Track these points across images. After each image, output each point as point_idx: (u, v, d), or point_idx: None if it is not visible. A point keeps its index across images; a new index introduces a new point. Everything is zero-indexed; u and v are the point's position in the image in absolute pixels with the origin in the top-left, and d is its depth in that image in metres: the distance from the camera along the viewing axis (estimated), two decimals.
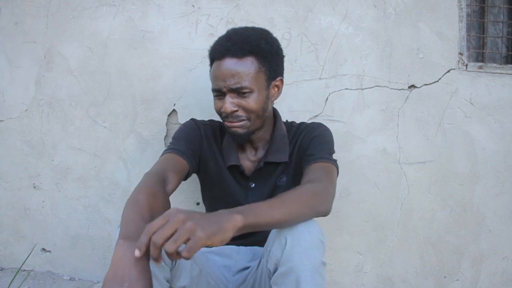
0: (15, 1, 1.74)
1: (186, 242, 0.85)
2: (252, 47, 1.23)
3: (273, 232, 1.10)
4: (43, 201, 1.80)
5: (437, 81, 1.68)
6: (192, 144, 1.35)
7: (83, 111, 1.75)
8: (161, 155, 1.31)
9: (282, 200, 1.03)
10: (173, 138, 1.37)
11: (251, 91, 1.24)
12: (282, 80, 1.33)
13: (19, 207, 1.81)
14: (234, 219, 0.91)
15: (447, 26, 1.67)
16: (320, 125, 1.38)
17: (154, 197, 1.08)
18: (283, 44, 1.66)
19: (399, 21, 1.67)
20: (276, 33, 1.67)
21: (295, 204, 1.03)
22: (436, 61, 1.67)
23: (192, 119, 1.43)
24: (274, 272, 1.07)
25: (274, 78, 1.30)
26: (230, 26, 1.67)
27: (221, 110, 1.27)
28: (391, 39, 1.68)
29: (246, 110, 1.26)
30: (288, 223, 1.03)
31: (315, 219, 1.08)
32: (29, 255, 1.63)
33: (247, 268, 1.34)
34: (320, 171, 1.22)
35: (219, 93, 1.27)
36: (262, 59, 1.25)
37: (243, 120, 1.27)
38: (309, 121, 1.67)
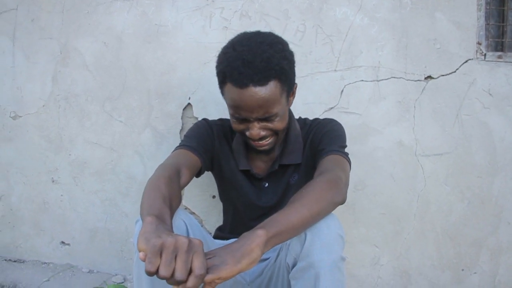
0: None
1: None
2: (276, 72, 1.14)
3: None
4: (61, 195, 1.83)
5: (455, 71, 1.65)
6: (204, 143, 1.34)
7: (99, 106, 1.77)
8: (173, 151, 1.31)
9: (300, 202, 1.01)
10: (186, 136, 1.36)
11: (278, 115, 1.20)
12: (296, 85, 1.29)
13: (38, 201, 1.84)
14: (257, 236, 0.90)
15: (465, 15, 1.63)
16: (331, 120, 1.36)
17: (171, 186, 1.09)
18: (297, 36, 1.68)
19: (415, 11, 1.64)
20: (291, 25, 1.67)
21: (313, 203, 1.02)
22: (453, 51, 1.64)
23: (204, 119, 1.42)
24: (293, 266, 1.07)
25: (291, 89, 1.25)
26: (244, 19, 1.67)
27: (247, 134, 1.23)
28: (407, 30, 1.65)
29: (274, 131, 1.23)
30: (310, 223, 1.02)
31: (334, 213, 1.08)
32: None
33: (264, 260, 1.35)
34: (330, 162, 1.21)
35: (242, 120, 1.21)
36: (284, 79, 1.18)
37: (270, 139, 1.25)
38: (324, 114, 1.67)
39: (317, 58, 1.67)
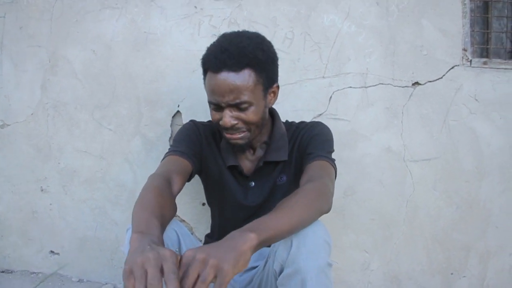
0: (19, 6, 1.75)
1: (213, 279, 0.84)
2: (250, 60, 1.19)
3: None
4: (50, 204, 1.82)
5: (441, 77, 1.67)
6: (193, 145, 1.35)
7: (88, 114, 1.76)
8: (164, 158, 1.31)
9: (289, 208, 1.02)
10: (174, 140, 1.37)
11: (250, 104, 1.22)
12: (278, 86, 1.31)
13: (27, 210, 1.83)
14: (250, 239, 0.90)
15: (451, 22, 1.66)
16: (319, 123, 1.38)
17: (162, 196, 1.10)
18: (286, 44, 1.69)
19: (402, 18, 1.67)
20: (279, 32, 1.68)
21: (301, 210, 1.03)
22: (440, 57, 1.66)
23: (192, 121, 1.43)
24: (280, 273, 1.07)
25: (270, 86, 1.28)
26: (233, 27, 1.68)
27: (220, 123, 1.25)
28: (395, 37, 1.67)
29: (246, 122, 1.24)
30: (298, 229, 1.03)
31: (320, 219, 1.09)
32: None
33: (254, 268, 1.35)
34: (318, 169, 1.22)
35: (216, 106, 1.25)
36: (260, 70, 1.21)
37: (243, 131, 1.26)
38: (313, 120, 1.68)
39: (306, 65, 1.68)
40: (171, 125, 1.72)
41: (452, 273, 1.72)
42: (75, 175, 1.80)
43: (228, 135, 1.27)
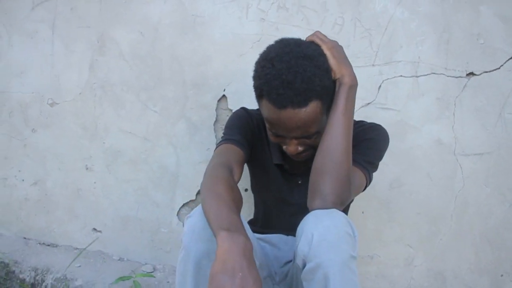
0: None
1: None
2: (317, 92, 1.08)
3: (299, 228, 1.08)
4: (94, 183, 1.85)
5: (499, 68, 1.59)
6: (245, 134, 1.31)
7: (134, 95, 1.78)
8: (219, 145, 1.28)
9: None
10: (227, 127, 1.33)
11: (318, 133, 1.16)
12: None
13: (72, 187, 1.87)
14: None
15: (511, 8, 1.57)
16: (376, 128, 1.30)
17: (231, 189, 1.08)
18: (335, 30, 1.64)
19: (458, 4, 1.59)
20: (329, 18, 1.64)
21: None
22: (498, 46, 1.58)
23: (243, 108, 1.38)
24: (303, 267, 1.04)
25: (332, 102, 1.17)
26: (282, 11, 1.65)
27: (284, 149, 1.20)
28: (449, 24, 1.60)
29: (312, 146, 1.19)
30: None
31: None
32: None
33: (290, 261, 1.33)
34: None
35: (279, 136, 1.18)
36: (326, 97, 1.12)
37: (308, 152, 1.21)
38: (361, 109, 1.63)
39: (355, 52, 1.63)
40: (216, 109, 1.71)
41: (502, 275, 1.65)
42: (119, 155, 1.82)
43: (291, 155, 1.22)
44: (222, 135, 1.34)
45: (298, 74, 1.05)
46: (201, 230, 1.05)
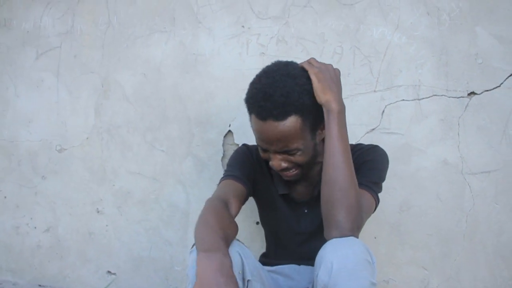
0: (73, 35, 1.83)
1: None
2: (296, 107, 1.13)
3: (318, 257, 1.09)
4: (106, 225, 1.86)
5: (499, 86, 1.60)
6: (246, 169, 1.35)
7: (140, 137, 1.80)
8: (219, 182, 1.32)
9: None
10: (228, 165, 1.38)
11: (298, 150, 1.18)
12: None
13: (83, 231, 1.88)
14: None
15: (508, 28, 1.59)
16: (375, 149, 1.32)
17: (222, 217, 1.13)
18: (335, 59, 1.67)
19: (454, 27, 1.62)
20: (328, 48, 1.66)
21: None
22: (496, 65, 1.60)
23: (244, 145, 1.43)
24: None
25: (318, 125, 1.22)
26: (281, 45, 1.68)
27: (270, 164, 1.24)
28: (447, 46, 1.62)
29: (296, 164, 1.22)
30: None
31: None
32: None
33: None
34: None
35: (264, 149, 1.23)
36: (306, 114, 1.16)
37: (295, 171, 1.24)
38: (366, 135, 1.65)
39: (356, 80, 1.65)
40: (223, 145, 1.73)
41: None
42: (129, 196, 1.83)
43: (279, 173, 1.25)
44: (223, 172, 1.37)
45: (278, 88, 1.13)
46: None
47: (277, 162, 1.21)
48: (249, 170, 1.36)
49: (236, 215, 1.23)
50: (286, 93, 1.12)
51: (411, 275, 1.69)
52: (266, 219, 1.47)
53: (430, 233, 1.67)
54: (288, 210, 1.37)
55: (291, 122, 1.13)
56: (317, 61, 1.23)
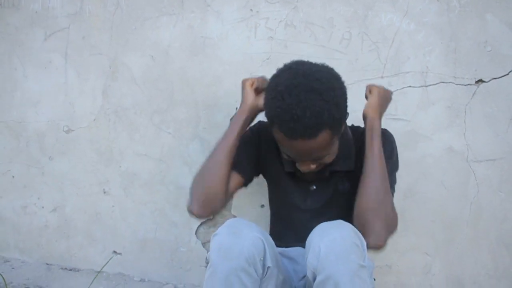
0: (82, 16, 1.83)
1: None
2: (327, 124, 1.10)
3: (307, 241, 1.11)
4: (112, 206, 1.88)
5: (507, 74, 1.60)
6: (246, 155, 1.36)
7: (147, 119, 1.81)
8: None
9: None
10: None
11: (328, 154, 1.20)
12: (348, 114, 1.27)
13: (90, 212, 1.90)
14: None
15: None
16: (384, 134, 1.33)
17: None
18: (343, 44, 1.67)
19: (464, 13, 1.61)
20: (336, 33, 1.66)
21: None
22: (506, 53, 1.59)
23: (249, 129, 1.40)
24: (314, 280, 1.07)
25: (343, 125, 1.22)
26: (289, 29, 1.68)
27: (296, 166, 1.25)
28: (456, 33, 1.62)
29: (325, 164, 1.25)
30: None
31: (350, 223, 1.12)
32: (107, 262, 1.71)
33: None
34: None
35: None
36: (336, 127, 1.15)
37: (321, 166, 1.26)
38: None
39: (364, 65, 1.65)
40: None
41: None
42: (135, 178, 1.85)
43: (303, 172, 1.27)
44: None
45: (307, 109, 1.07)
46: (228, 248, 1.09)
47: (306, 167, 1.22)
48: (250, 155, 1.37)
49: (229, 198, 1.33)
50: (317, 113, 1.07)
51: (414, 261, 1.71)
52: (273, 196, 1.49)
53: (433, 220, 1.68)
54: (295, 188, 1.38)
55: (322, 137, 1.12)
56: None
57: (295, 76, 1.13)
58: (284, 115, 1.09)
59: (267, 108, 1.16)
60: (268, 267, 1.15)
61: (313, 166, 1.22)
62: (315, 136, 1.10)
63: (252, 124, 1.41)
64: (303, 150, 1.14)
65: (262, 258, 1.13)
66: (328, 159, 1.23)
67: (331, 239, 1.04)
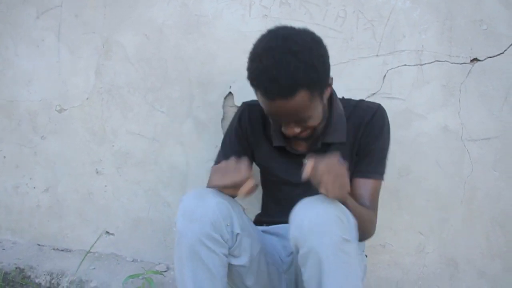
0: None
1: None
2: (303, 84, 1.12)
3: (291, 216, 1.11)
4: (105, 186, 1.87)
5: (503, 52, 1.59)
6: (234, 146, 1.42)
7: (141, 97, 1.80)
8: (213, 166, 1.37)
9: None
10: (222, 142, 1.48)
11: (310, 117, 1.21)
12: (331, 78, 1.26)
13: (83, 191, 1.89)
14: None
15: None
16: (382, 116, 1.36)
17: None
18: (338, 22, 1.66)
19: None
20: (331, 11, 1.65)
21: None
22: (501, 31, 1.59)
23: (237, 119, 1.45)
24: (298, 252, 1.08)
25: (324, 88, 1.22)
26: (284, 7, 1.66)
27: (282, 130, 1.27)
28: (452, 11, 1.61)
29: (309, 128, 1.25)
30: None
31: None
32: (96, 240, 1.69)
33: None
34: (372, 194, 1.33)
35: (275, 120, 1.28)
36: (313, 86, 1.15)
37: (308, 131, 1.26)
38: (367, 100, 1.64)
39: (359, 44, 1.64)
40: (223, 107, 1.73)
41: None
42: (128, 157, 1.84)
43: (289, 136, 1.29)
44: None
45: (282, 69, 1.09)
46: (192, 211, 1.12)
47: (290, 130, 1.23)
48: (238, 145, 1.42)
49: None
50: (291, 73, 1.10)
51: (408, 240, 1.71)
52: (266, 179, 1.48)
53: (428, 199, 1.68)
54: (287, 162, 1.39)
55: (300, 97, 1.13)
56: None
57: (274, 39, 1.15)
58: (262, 76, 1.12)
59: (248, 71, 1.19)
60: (238, 234, 1.17)
61: (297, 130, 1.23)
62: (292, 95, 1.12)
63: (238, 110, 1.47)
64: (283, 110, 1.15)
65: (229, 224, 1.15)
66: (313, 122, 1.23)
67: (315, 213, 1.04)
